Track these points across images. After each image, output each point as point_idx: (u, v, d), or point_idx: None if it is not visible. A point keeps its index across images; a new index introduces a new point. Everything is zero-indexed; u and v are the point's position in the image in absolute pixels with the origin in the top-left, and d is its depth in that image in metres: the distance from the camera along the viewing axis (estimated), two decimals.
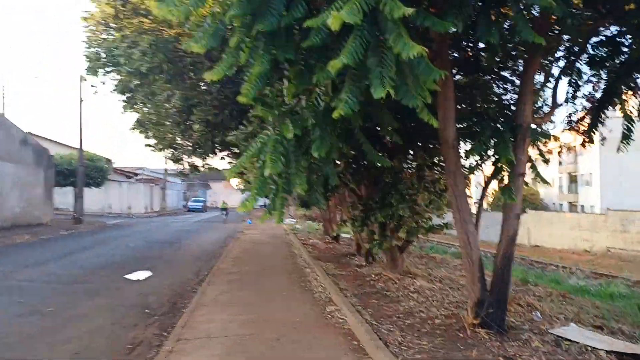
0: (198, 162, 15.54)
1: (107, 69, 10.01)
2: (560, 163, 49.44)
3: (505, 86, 7.18)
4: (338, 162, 8.06)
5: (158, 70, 8.87)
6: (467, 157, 5.59)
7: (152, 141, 14.07)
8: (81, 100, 26.35)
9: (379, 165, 8.88)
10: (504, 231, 5.76)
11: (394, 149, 8.20)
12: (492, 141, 5.56)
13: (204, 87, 9.19)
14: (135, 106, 11.41)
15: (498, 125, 5.65)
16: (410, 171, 9.25)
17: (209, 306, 7.57)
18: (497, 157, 5.68)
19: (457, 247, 21.24)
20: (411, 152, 8.73)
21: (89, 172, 30.14)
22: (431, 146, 8.26)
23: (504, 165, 5.72)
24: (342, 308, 6.99)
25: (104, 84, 15.26)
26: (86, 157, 29.83)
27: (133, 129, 12.78)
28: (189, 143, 13.46)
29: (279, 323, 6.48)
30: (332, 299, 7.77)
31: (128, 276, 10.96)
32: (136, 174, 53.34)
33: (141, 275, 11.29)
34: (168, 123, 11.52)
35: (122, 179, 47.20)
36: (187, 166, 15.46)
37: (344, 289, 8.32)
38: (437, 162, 8.83)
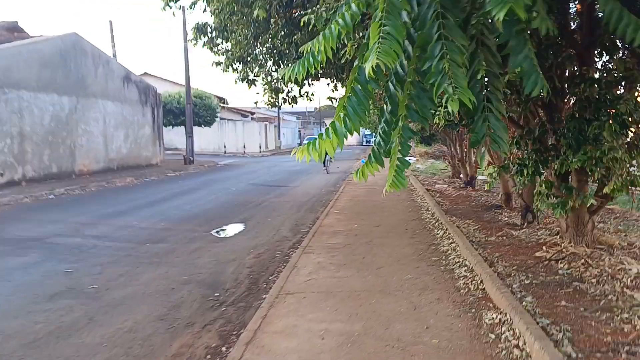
0: (294, 89, 11.56)
1: None
2: None
3: None
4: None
5: None
6: None
7: (220, 58, 10.70)
8: (186, 34, 24.99)
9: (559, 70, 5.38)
10: None
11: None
12: None
13: None
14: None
15: None
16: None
17: (297, 296, 5.07)
18: None
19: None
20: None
21: (198, 110, 29.30)
22: None
23: None
24: (513, 321, 4.00)
25: None
26: (195, 94, 28.89)
27: (193, 40, 9.89)
28: (267, 54, 9.98)
29: (404, 350, 3.72)
30: (488, 296, 4.79)
31: (215, 232, 9.00)
32: (252, 113, 52.97)
33: (230, 230, 9.29)
34: (239, 27, 8.23)
35: (237, 118, 46.95)
36: (267, 90, 11.65)
37: (504, 275, 5.26)
38: None
